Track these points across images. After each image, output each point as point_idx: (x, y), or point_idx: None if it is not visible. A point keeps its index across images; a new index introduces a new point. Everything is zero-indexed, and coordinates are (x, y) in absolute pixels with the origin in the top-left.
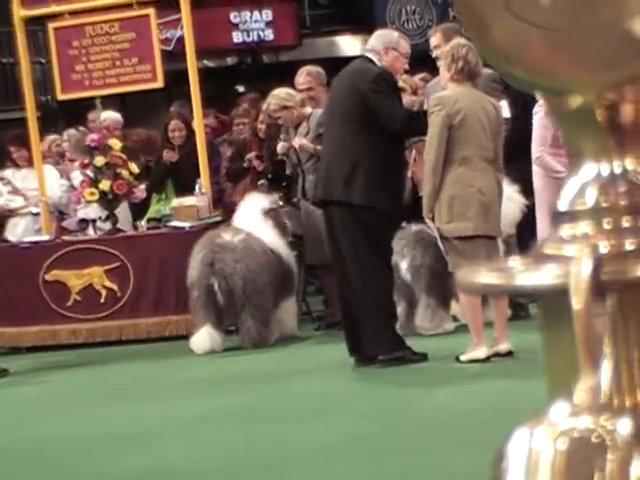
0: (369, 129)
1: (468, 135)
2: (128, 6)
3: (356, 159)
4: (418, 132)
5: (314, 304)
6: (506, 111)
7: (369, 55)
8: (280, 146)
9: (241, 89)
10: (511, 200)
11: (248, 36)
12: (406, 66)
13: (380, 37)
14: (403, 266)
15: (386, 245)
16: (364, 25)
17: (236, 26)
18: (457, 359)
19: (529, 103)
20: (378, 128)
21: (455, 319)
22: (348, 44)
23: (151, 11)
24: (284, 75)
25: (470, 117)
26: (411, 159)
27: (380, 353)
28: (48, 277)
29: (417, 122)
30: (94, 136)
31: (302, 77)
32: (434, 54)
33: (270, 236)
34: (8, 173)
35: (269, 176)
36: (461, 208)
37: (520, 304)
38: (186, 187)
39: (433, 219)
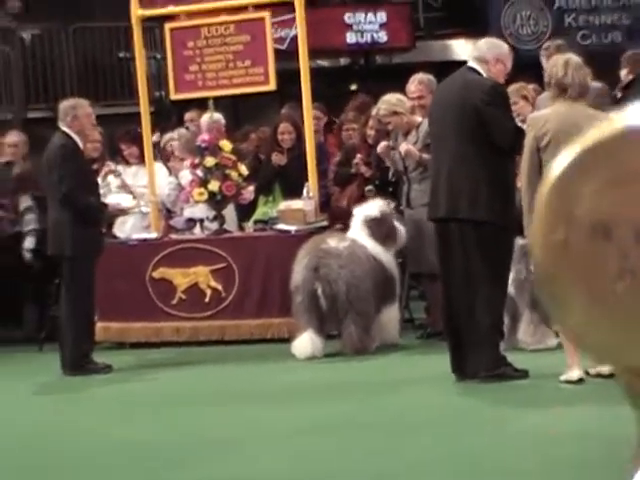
0: (485, 143)
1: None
2: (244, 9)
3: (478, 175)
4: (520, 147)
5: (417, 310)
6: None
7: (475, 65)
8: (380, 146)
9: (353, 87)
10: None
11: (362, 37)
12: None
13: (492, 47)
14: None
15: (506, 261)
16: (478, 29)
17: (350, 27)
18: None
19: None
20: (492, 142)
21: (558, 335)
22: (462, 48)
23: (266, 14)
24: (397, 77)
25: (560, 138)
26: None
27: (482, 370)
28: (155, 274)
29: (524, 137)
30: (205, 136)
31: (413, 85)
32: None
33: (373, 243)
34: (119, 169)
35: (376, 182)
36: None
37: None
38: (294, 190)
39: None
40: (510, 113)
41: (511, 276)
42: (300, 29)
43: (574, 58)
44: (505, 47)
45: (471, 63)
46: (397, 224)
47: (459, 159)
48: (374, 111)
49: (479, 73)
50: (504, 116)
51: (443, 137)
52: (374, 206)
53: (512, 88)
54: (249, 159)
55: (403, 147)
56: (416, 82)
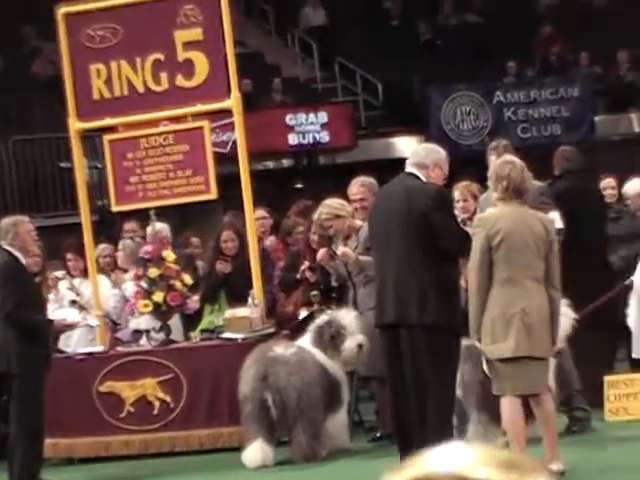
0: (431, 247)
1: (510, 255)
2: (183, 118)
3: (426, 280)
4: (468, 251)
5: (367, 410)
6: (558, 222)
7: (414, 170)
8: (320, 253)
9: (299, 185)
10: (562, 314)
11: (304, 138)
12: None
13: (430, 153)
14: None
15: (454, 364)
16: (419, 125)
17: (292, 128)
18: None
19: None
20: (437, 245)
21: (505, 434)
22: (403, 145)
23: (205, 123)
24: (340, 176)
25: (511, 237)
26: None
27: None
28: (102, 388)
29: (470, 241)
30: (148, 248)
31: (355, 187)
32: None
33: (318, 350)
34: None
35: (321, 287)
36: (503, 329)
37: (577, 417)
38: (239, 298)
39: (480, 340)
40: (455, 217)
41: (458, 378)
42: (239, 135)
43: (519, 161)
44: (442, 152)
45: (410, 169)
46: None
47: (406, 264)
48: (315, 215)
49: (418, 178)
50: (450, 221)
51: (388, 242)
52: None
53: (461, 185)
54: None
55: (340, 250)
56: (358, 184)
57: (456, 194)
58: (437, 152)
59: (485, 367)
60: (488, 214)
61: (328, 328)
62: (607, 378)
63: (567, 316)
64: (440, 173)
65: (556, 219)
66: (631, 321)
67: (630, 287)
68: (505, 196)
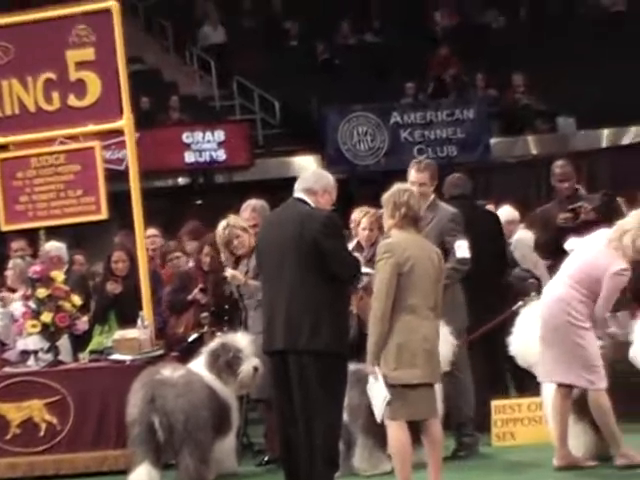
0: (323, 273)
1: (416, 283)
2: (75, 138)
3: (317, 306)
4: (358, 277)
5: (256, 433)
6: (465, 251)
7: (303, 196)
8: (229, 273)
9: (199, 202)
10: (444, 342)
11: (200, 156)
12: None
13: (319, 179)
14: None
15: (342, 389)
16: (316, 145)
17: (188, 146)
18: None
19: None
20: (330, 272)
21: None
22: (301, 164)
23: (96, 144)
24: (237, 195)
25: (418, 265)
26: (357, 298)
27: None
28: None
29: (359, 266)
30: (37, 267)
31: (247, 212)
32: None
33: (206, 372)
34: None
35: (212, 309)
36: (409, 356)
37: (465, 443)
38: (129, 319)
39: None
40: (345, 243)
41: (344, 402)
42: (130, 155)
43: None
44: (331, 178)
45: (299, 194)
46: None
47: (297, 290)
48: (218, 236)
49: (307, 203)
50: (341, 247)
51: (281, 267)
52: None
53: (370, 214)
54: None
55: (229, 272)
56: (249, 209)
57: (363, 221)
58: (326, 177)
59: (370, 390)
60: (395, 241)
61: (224, 351)
62: (494, 403)
63: (448, 342)
64: (329, 198)
65: (463, 247)
66: (515, 349)
67: (517, 313)
68: (403, 223)
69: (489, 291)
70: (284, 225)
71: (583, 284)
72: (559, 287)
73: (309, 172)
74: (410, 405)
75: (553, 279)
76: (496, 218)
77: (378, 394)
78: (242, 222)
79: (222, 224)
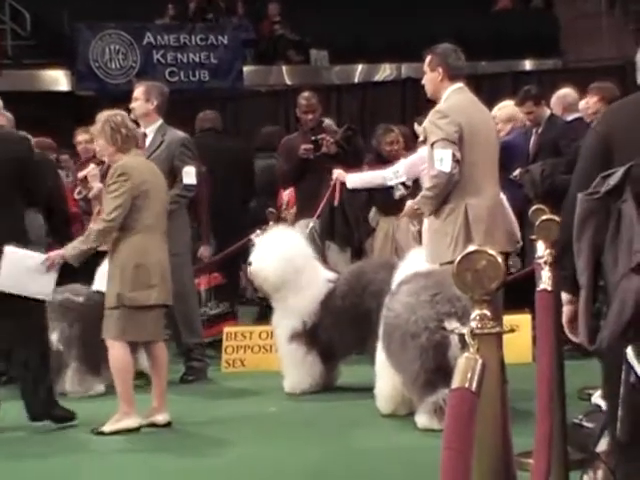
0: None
1: (149, 206)
2: None
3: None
4: None
5: None
6: (192, 178)
7: None
8: None
9: None
10: None
11: None
12: None
13: None
14: (54, 337)
15: (44, 323)
16: (67, 60)
17: None
18: (96, 432)
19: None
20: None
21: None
22: (50, 78)
23: None
24: None
25: (152, 189)
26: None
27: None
28: None
29: None
30: None
31: None
32: None
33: None
34: None
35: None
36: (146, 277)
37: (194, 367)
38: None
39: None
40: None
41: (56, 334)
42: None
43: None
44: None
45: None
46: None
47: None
48: None
49: None
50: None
51: None
52: None
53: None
54: None
55: None
56: None
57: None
58: None
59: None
60: (129, 164)
61: None
62: (226, 330)
63: None
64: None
65: (191, 173)
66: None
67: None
68: (128, 146)
69: (235, 217)
70: None
71: None
72: None
73: None
74: (139, 326)
75: None
76: (245, 148)
77: (36, 281)
78: None
79: None
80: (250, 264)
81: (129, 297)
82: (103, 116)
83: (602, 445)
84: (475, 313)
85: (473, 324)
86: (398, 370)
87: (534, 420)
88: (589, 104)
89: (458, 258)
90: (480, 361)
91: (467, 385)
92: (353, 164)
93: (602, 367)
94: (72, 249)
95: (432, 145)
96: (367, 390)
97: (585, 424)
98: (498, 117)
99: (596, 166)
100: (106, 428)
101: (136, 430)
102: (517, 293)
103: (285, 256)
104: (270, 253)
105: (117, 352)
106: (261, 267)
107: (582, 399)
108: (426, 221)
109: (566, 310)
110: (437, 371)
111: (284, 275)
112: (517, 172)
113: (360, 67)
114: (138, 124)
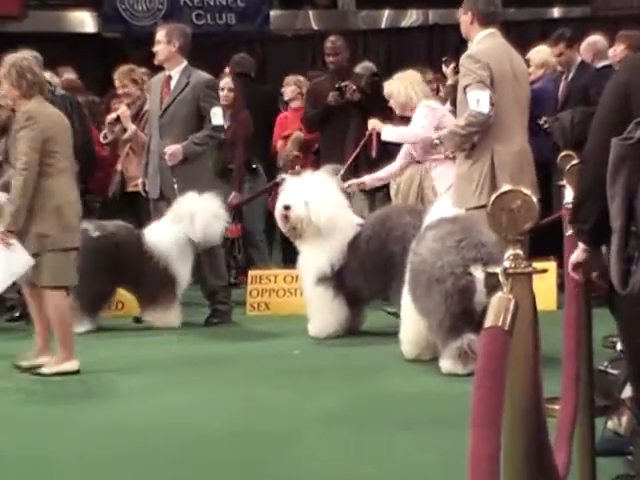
0: None
1: (60, 149)
2: None
3: None
4: None
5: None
6: (220, 119)
7: None
8: None
9: None
10: (217, 216)
11: None
12: None
13: None
14: None
15: None
16: (93, 2)
17: None
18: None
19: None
20: None
21: None
22: (76, 19)
23: None
24: (8, 46)
25: (60, 133)
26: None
27: None
28: None
29: None
30: None
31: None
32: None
33: None
34: None
35: None
36: (67, 219)
37: (218, 310)
38: None
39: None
40: None
41: None
42: None
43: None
44: None
45: None
46: None
47: None
48: None
49: None
50: None
51: None
52: None
53: (122, 70)
54: None
55: None
56: None
57: (117, 82)
58: None
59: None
60: (35, 108)
61: None
62: (251, 273)
63: (220, 217)
64: None
65: (218, 114)
66: None
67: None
68: (33, 92)
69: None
70: None
71: None
72: None
73: None
74: (69, 270)
75: None
76: (272, 94)
77: (13, 262)
78: None
79: None
80: (288, 208)
81: (59, 239)
82: (10, 59)
83: (627, 392)
84: (509, 253)
85: (506, 264)
86: (423, 315)
87: (560, 367)
88: (616, 52)
89: (492, 198)
90: (513, 301)
91: (500, 324)
92: (377, 111)
93: (620, 316)
94: (8, 219)
95: (465, 88)
96: (392, 335)
97: (610, 371)
98: (532, 60)
99: (615, 114)
100: (46, 370)
101: (76, 373)
102: (542, 241)
103: (324, 201)
104: (308, 197)
105: (59, 299)
106: (302, 210)
107: (606, 347)
108: (435, 177)
109: (577, 254)
110: (462, 316)
111: (324, 219)
112: (545, 119)
113: (387, 12)
114: (162, 68)
